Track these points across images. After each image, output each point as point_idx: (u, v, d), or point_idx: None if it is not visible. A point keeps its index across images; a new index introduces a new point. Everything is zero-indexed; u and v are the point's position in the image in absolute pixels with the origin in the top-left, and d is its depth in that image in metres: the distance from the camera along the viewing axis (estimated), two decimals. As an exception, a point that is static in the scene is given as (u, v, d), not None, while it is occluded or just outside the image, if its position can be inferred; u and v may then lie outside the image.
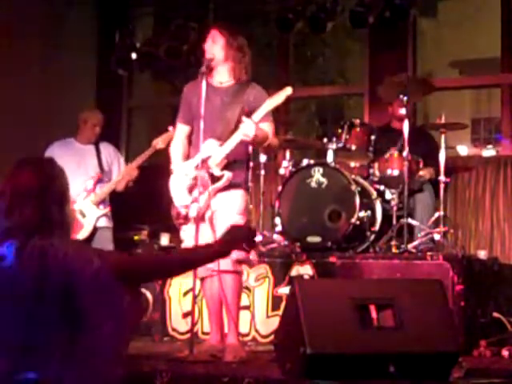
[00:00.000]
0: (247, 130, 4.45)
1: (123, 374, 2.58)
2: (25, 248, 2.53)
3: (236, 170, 4.58)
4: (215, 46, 4.64)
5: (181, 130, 4.83)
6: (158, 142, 6.01)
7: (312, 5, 7.02)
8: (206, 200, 4.50)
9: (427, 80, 6.39)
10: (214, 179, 4.52)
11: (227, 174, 4.52)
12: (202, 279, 4.64)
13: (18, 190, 2.64)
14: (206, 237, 4.50)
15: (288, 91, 4.59)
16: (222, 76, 4.69)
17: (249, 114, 4.53)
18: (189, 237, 4.61)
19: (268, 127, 4.64)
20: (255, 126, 4.47)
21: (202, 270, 4.52)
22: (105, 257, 2.62)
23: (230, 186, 4.56)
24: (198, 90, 4.61)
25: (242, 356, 4.46)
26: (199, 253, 2.96)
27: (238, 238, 2.88)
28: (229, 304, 4.55)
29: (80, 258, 2.54)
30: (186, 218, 4.56)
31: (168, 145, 5.83)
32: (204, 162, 4.52)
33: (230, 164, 4.57)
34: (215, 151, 4.53)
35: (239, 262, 4.57)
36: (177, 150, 4.80)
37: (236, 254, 4.47)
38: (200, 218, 4.52)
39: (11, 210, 2.61)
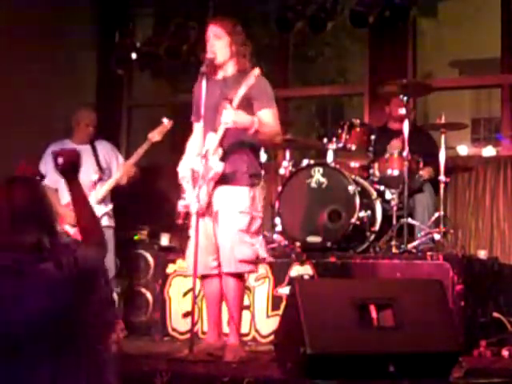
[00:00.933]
0: (225, 116, 4.42)
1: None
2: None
3: (236, 165, 4.53)
4: (218, 43, 4.61)
5: (196, 128, 4.79)
6: (154, 135, 6.00)
7: (312, 4, 7.01)
8: (205, 193, 4.47)
9: (425, 83, 6.40)
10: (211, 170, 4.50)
11: (218, 165, 4.46)
12: (203, 278, 4.63)
13: (19, 210, 2.69)
14: (211, 232, 4.48)
15: (255, 72, 4.50)
16: (227, 70, 4.67)
17: (230, 102, 4.48)
18: (195, 234, 4.60)
19: (265, 113, 4.56)
20: (233, 112, 4.42)
21: (202, 268, 4.50)
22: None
23: (233, 179, 4.51)
24: (200, 88, 4.61)
25: (242, 356, 4.45)
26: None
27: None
28: (230, 304, 4.54)
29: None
30: (186, 218, 4.55)
31: (164, 137, 5.83)
32: (205, 155, 4.50)
33: (229, 153, 4.53)
34: (212, 143, 4.52)
35: (244, 262, 4.53)
36: (193, 146, 4.75)
37: (240, 255, 4.48)
38: (202, 212, 4.49)
39: (16, 230, 2.65)
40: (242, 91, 4.48)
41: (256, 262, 4.63)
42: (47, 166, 6.26)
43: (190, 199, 4.51)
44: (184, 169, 4.64)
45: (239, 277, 4.55)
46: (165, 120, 5.81)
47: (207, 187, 4.46)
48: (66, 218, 6.11)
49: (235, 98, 4.47)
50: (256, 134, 4.53)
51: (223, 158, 4.50)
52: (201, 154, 4.50)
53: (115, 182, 6.18)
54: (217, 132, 4.51)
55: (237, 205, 4.50)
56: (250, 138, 4.59)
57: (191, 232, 4.63)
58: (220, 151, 4.50)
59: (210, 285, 4.62)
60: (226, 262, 4.46)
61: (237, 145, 4.56)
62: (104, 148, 6.41)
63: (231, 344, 4.55)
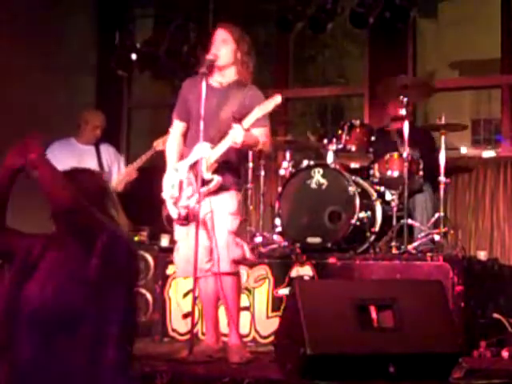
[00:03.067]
0: (236, 136, 4.41)
1: None
2: None
3: (226, 173, 4.56)
4: (224, 48, 4.60)
5: (176, 127, 4.81)
6: (159, 144, 6.02)
7: (312, 5, 7.01)
8: (195, 202, 4.48)
9: (427, 82, 6.39)
10: (204, 182, 4.49)
11: (217, 178, 4.49)
12: (196, 279, 4.62)
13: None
14: (200, 239, 4.49)
15: (277, 100, 4.52)
16: (224, 77, 4.66)
17: (240, 119, 4.49)
18: (182, 237, 4.61)
19: (261, 132, 4.59)
20: (244, 132, 4.43)
21: (197, 272, 4.50)
22: None
23: (221, 189, 4.54)
24: (196, 88, 4.58)
25: (248, 357, 4.45)
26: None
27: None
28: (229, 305, 4.54)
29: None
30: (187, 219, 4.55)
31: None
32: (195, 164, 4.50)
33: (220, 167, 4.54)
34: (207, 154, 4.51)
35: (237, 262, 4.56)
36: (172, 147, 4.78)
37: (232, 254, 4.49)
38: (192, 220, 4.51)
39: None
40: (256, 115, 4.47)
41: (243, 262, 4.68)
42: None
43: (189, 202, 4.52)
44: (171, 177, 4.65)
45: (235, 274, 4.58)
46: (171, 129, 5.83)
47: (198, 197, 4.47)
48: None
49: (247, 119, 4.46)
50: (259, 152, 4.63)
51: (217, 170, 4.53)
52: (192, 161, 4.52)
53: (114, 185, 6.19)
54: (212, 143, 4.52)
55: (227, 208, 4.54)
56: (242, 151, 4.66)
57: (177, 236, 4.67)
58: (215, 165, 4.52)
59: (205, 284, 4.63)
60: (222, 261, 4.48)
61: (230, 157, 4.58)
62: (107, 151, 6.43)
63: (234, 345, 4.55)
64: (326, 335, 3.64)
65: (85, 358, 2.69)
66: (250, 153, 6.09)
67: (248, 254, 4.67)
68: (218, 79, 4.66)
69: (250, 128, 4.50)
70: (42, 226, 2.92)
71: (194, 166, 4.52)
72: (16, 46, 7.04)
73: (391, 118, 6.44)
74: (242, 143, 4.44)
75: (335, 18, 7.04)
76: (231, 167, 4.62)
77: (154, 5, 8.22)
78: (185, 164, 4.62)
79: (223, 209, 4.52)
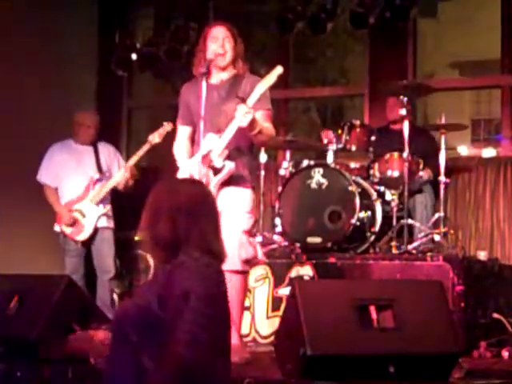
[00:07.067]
0: (242, 116, 4.34)
1: None
2: None
3: (238, 160, 4.51)
4: (228, 45, 4.59)
5: (182, 131, 4.79)
6: (155, 137, 6.04)
7: (312, 5, 7.01)
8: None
9: (426, 84, 6.40)
10: (217, 171, 4.47)
11: (229, 165, 4.45)
12: None
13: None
14: None
15: (279, 70, 4.50)
16: (223, 73, 4.65)
17: (243, 101, 4.44)
18: None
19: (265, 115, 4.56)
20: (249, 110, 4.34)
21: None
22: None
23: (238, 181, 4.51)
24: (195, 89, 4.58)
25: (248, 357, 4.44)
26: None
27: None
28: (233, 304, 4.52)
29: None
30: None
31: (164, 139, 5.86)
32: (206, 156, 4.46)
33: (231, 154, 4.49)
34: (215, 144, 4.48)
35: (248, 262, 4.54)
36: (181, 150, 4.75)
37: (244, 254, 4.47)
38: None
39: None
40: (260, 90, 4.44)
41: (254, 262, 4.66)
42: (48, 166, 6.30)
43: None
44: (183, 175, 4.62)
45: (244, 274, 4.55)
46: (165, 123, 5.84)
47: (213, 189, 4.44)
48: (63, 217, 6.13)
49: (251, 97, 4.43)
50: (258, 134, 4.53)
51: (228, 158, 4.49)
52: (202, 154, 4.49)
53: (114, 184, 6.20)
54: (219, 133, 4.50)
55: (242, 206, 4.51)
56: (250, 140, 4.60)
57: None
58: (226, 152, 4.49)
59: None
60: (231, 260, 4.45)
61: (238, 147, 4.55)
62: (106, 150, 6.44)
63: (234, 345, 4.53)
64: (326, 335, 3.63)
65: None
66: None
67: (260, 255, 4.64)
68: (216, 76, 4.65)
69: (257, 111, 4.45)
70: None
71: (205, 159, 4.46)
72: (16, 47, 7.04)
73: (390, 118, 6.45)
74: (251, 122, 4.36)
75: (335, 18, 7.04)
76: (244, 162, 4.57)
77: (154, 5, 8.21)
78: (195, 159, 4.58)
79: (240, 206, 4.49)
